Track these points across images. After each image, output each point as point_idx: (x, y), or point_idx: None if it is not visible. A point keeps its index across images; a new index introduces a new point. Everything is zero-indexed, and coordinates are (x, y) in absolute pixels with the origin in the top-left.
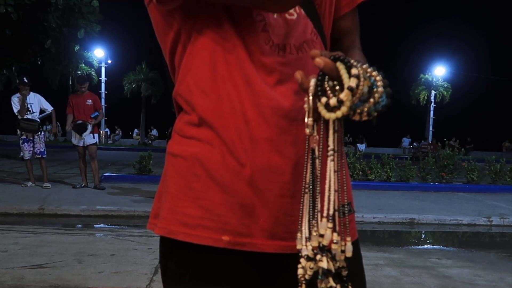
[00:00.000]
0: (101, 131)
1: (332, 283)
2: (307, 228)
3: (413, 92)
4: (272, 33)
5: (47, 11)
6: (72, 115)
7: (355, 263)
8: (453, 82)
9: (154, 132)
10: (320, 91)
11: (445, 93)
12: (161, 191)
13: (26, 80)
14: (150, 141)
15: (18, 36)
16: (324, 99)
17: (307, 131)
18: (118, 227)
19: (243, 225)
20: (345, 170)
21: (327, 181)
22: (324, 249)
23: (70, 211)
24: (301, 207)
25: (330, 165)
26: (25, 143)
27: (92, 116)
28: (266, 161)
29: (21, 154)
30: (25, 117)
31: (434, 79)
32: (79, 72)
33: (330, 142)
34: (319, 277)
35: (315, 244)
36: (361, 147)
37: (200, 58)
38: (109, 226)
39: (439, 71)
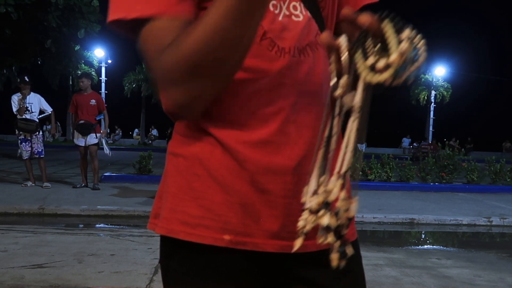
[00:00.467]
0: (102, 131)
1: (331, 238)
2: (315, 183)
3: (413, 92)
4: (275, 37)
5: (47, 11)
6: (75, 114)
7: (354, 263)
8: (453, 82)
9: (154, 132)
10: (361, 51)
11: (445, 93)
12: (162, 191)
13: (27, 79)
14: (150, 141)
15: (18, 36)
16: (371, 60)
17: (339, 91)
18: (118, 227)
19: (244, 225)
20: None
21: (345, 139)
22: (328, 205)
23: (70, 211)
24: (313, 162)
25: (353, 125)
26: (23, 143)
27: (97, 118)
28: (267, 162)
29: (19, 152)
30: (23, 117)
31: (434, 79)
32: (79, 72)
33: (357, 101)
34: (320, 232)
35: (321, 199)
36: (361, 147)
37: None
38: (109, 226)
39: (439, 71)
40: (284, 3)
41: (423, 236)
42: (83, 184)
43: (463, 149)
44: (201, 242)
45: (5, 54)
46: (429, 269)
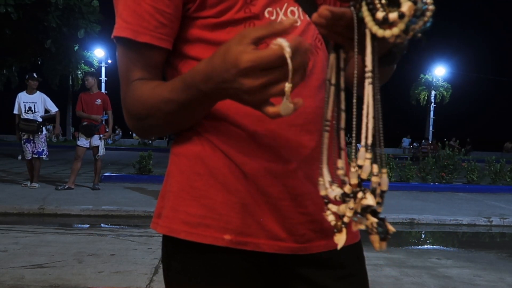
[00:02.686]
0: (106, 133)
1: (372, 219)
2: (327, 171)
3: (413, 92)
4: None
5: (47, 11)
6: (82, 112)
7: (358, 264)
8: (453, 82)
9: None
10: (367, 8)
11: (445, 93)
12: (165, 190)
13: (35, 75)
14: (150, 141)
15: (18, 36)
16: (380, 14)
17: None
18: (118, 227)
19: (245, 225)
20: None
21: (364, 107)
22: (361, 185)
23: (70, 211)
24: (321, 149)
25: (369, 89)
26: (27, 143)
27: (102, 118)
28: (266, 165)
29: (19, 157)
30: (25, 117)
31: (434, 79)
32: (79, 72)
33: (369, 63)
34: (354, 218)
35: (355, 181)
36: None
37: None
38: (109, 226)
39: (439, 71)
40: (281, 9)
41: (423, 236)
42: (67, 186)
43: (463, 149)
44: (202, 241)
45: (5, 54)
46: (429, 269)
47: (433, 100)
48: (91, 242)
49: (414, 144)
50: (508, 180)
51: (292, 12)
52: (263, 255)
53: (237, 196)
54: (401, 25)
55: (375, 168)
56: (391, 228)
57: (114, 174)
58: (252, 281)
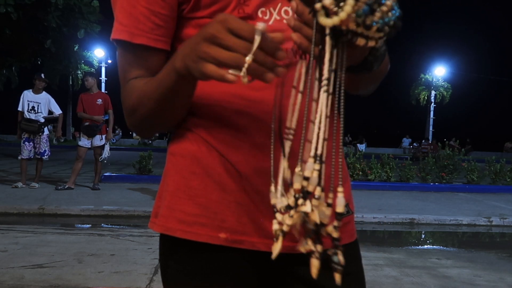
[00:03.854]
0: (107, 133)
1: (318, 247)
2: (281, 181)
3: (413, 92)
4: None
5: (47, 11)
6: (83, 112)
7: (354, 263)
8: (453, 82)
9: None
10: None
11: (445, 93)
12: (162, 190)
13: (42, 76)
14: (150, 141)
15: (18, 36)
16: (319, 4)
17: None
18: (118, 227)
19: (240, 223)
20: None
21: (317, 115)
22: (307, 195)
23: (70, 211)
24: (272, 157)
25: (323, 97)
26: (26, 142)
27: (103, 118)
28: (259, 165)
29: (19, 157)
30: (27, 116)
31: (434, 79)
32: (79, 72)
33: (325, 70)
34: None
35: (298, 186)
36: (361, 147)
37: None
38: (109, 226)
39: (439, 71)
40: (274, 9)
41: (423, 236)
42: (67, 186)
43: (463, 149)
44: (197, 240)
45: (5, 54)
46: (429, 269)
47: (433, 100)
48: (91, 242)
49: (414, 144)
50: (508, 180)
51: (286, 12)
52: (259, 254)
53: (232, 195)
54: (343, 14)
55: (318, 190)
56: (341, 259)
57: (114, 174)
58: (248, 279)
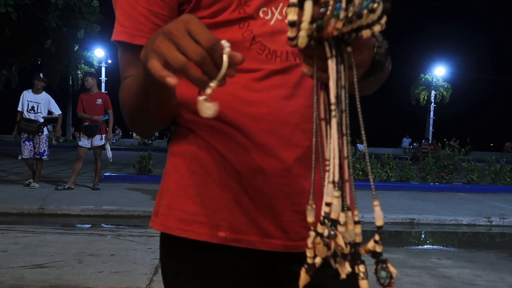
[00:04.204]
0: (107, 133)
1: (361, 268)
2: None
3: (413, 92)
4: (266, 41)
5: (47, 11)
6: (83, 113)
7: None
8: (453, 82)
9: None
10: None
11: (445, 93)
12: (162, 189)
13: (41, 75)
14: (150, 141)
15: (18, 36)
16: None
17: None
18: (118, 227)
19: (239, 222)
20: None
21: (332, 141)
22: (331, 221)
23: (70, 211)
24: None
25: (332, 122)
26: (26, 142)
27: (103, 118)
28: (259, 165)
29: (19, 157)
30: (27, 116)
31: (434, 79)
32: (79, 72)
33: (332, 95)
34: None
35: (311, 219)
36: (361, 147)
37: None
38: (109, 226)
39: (439, 71)
40: (276, 9)
41: (423, 236)
42: (67, 186)
43: (463, 149)
44: (196, 238)
45: (5, 54)
46: (429, 269)
47: (433, 100)
48: (91, 242)
49: (414, 144)
50: (508, 180)
51: None
52: (258, 253)
53: (231, 194)
54: (329, 24)
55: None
56: (393, 271)
57: (114, 174)
58: (247, 278)
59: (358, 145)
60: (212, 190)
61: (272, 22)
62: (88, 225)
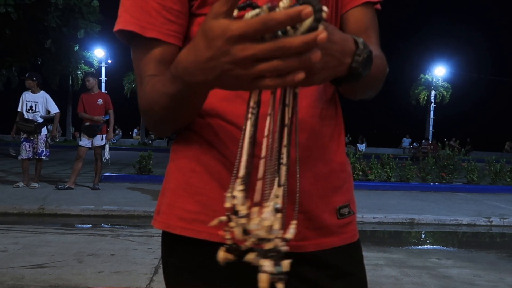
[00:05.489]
0: (107, 133)
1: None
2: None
3: (413, 92)
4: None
5: (47, 11)
6: (84, 113)
7: (356, 263)
8: (453, 82)
9: None
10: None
11: (445, 93)
12: (164, 188)
13: (29, 75)
14: (150, 141)
15: (18, 36)
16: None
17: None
18: (118, 227)
19: None
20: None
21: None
22: (235, 212)
23: (70, 211)
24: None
25: (247, 124)
26: (24, 142)
27: (104, 118)
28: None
29: (19, 156)
30: (25, 116)
31: (434, 79)
32: (79, 72)
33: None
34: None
35: (228, 205)
36: (361, 147)
37: None
38: (109, 226)
39: (439, 71)
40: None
41: (423, 236)
42: (67, 186)
43: (463, 149)
44: (197, 237)
45: (5, 54)
46: (429, 269)
47: (433, 100)
48: (91, 242)
49: (414, 144)
50: (508, 180)
51: None
52: None
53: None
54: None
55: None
56: (285, 265)
57: (114, 174)
58: (248, 277)
59: (358, 145)
60: (213, 189)
61: None
62: (88, 225)
